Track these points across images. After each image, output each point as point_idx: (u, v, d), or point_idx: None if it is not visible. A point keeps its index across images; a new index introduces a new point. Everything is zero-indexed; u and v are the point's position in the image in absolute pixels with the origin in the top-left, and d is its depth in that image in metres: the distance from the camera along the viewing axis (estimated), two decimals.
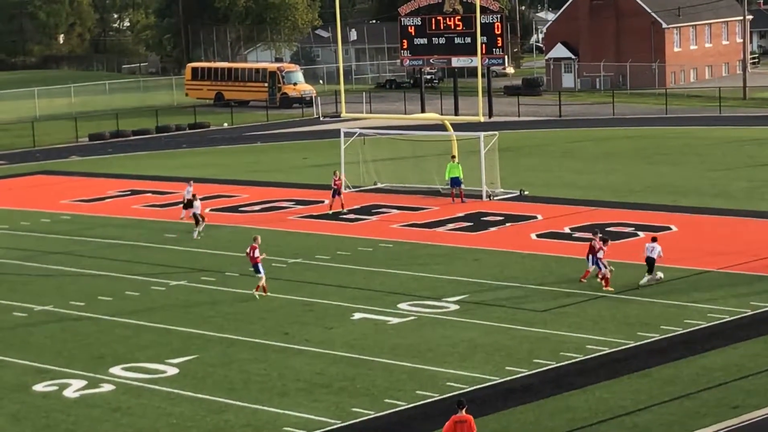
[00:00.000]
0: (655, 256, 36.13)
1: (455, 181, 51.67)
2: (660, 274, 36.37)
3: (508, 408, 25.60)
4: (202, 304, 35.95)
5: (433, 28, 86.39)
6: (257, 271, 36.34)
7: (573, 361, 28.96)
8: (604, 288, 35.54)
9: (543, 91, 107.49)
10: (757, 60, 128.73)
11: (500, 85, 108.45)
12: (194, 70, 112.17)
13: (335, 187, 50.19)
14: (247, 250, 36.78)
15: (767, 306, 33.31)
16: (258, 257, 36.26)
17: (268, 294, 36.16)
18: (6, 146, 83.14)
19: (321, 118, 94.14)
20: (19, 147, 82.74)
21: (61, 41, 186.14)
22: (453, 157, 52.78)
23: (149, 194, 57.63)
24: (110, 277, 40.02)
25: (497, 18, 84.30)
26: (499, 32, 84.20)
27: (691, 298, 34.48)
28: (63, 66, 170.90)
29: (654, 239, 36.90)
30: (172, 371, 29.33)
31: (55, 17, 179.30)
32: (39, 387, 28.55)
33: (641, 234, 43.31)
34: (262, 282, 36.37)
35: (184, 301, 36.46)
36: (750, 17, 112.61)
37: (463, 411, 21.59)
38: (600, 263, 36.00)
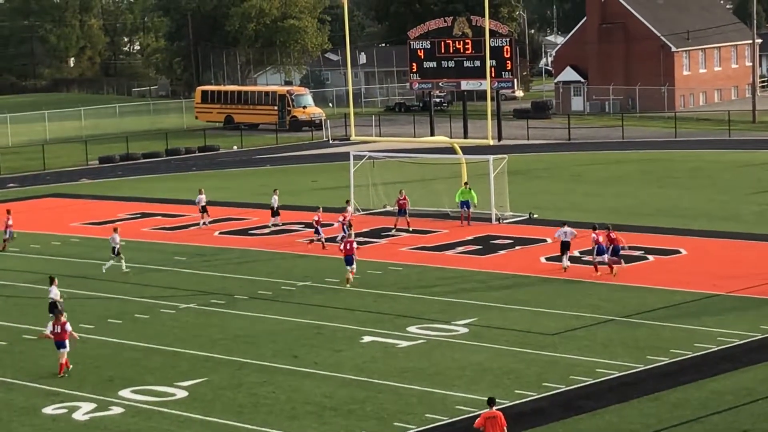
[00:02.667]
0: (569, 239, 40.52)
1: (465, 204, 51.67)
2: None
3: None
4: (211, 327, 35.96)
5: (443, 51, 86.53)
6: (349, 263, 39.65)
7: (582, 384, 28.91)
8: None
9: (552, 115, 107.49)
10: (766, 83, 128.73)
11: (509, 108, 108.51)
12: (204, 93, 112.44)
13: (399, 207, 51.30)
14: (342, 246, 39.91)
15: None
16: (355, 248, 39.67)
17: (281, 318, 36.19)
18: (17, 169, 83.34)
19: (330, 141, 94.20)
20: (30, 170, 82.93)
21: (72, 64, 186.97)
22: (465, 183, 52.63)
23: (159, 217, 57.72)
24: (120, 300, 40.07)
25: (506, 41, 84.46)
26: (509, 55, 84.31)
27: (700, 321, 34.43)
28: (73, 89, 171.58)
29: (563, 223, 41.49)
30: (182, 394, 29.33)
31: (65, 41, 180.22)
32: (49, 410, 28.56)
33: (651, 257, 43.29)
34: (352, 273, 39.69)
35: (194, 324, 36.48)
36: (759, 41, 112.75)
37: (493, 408, 22.27)
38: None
